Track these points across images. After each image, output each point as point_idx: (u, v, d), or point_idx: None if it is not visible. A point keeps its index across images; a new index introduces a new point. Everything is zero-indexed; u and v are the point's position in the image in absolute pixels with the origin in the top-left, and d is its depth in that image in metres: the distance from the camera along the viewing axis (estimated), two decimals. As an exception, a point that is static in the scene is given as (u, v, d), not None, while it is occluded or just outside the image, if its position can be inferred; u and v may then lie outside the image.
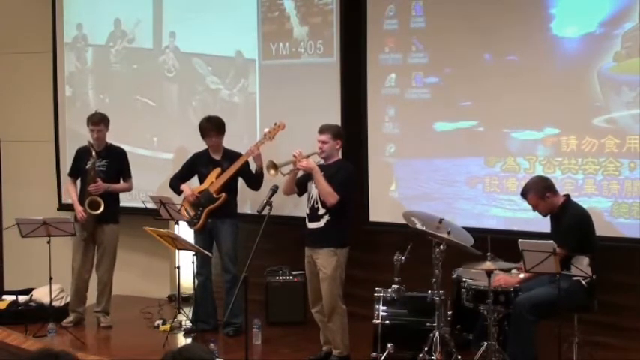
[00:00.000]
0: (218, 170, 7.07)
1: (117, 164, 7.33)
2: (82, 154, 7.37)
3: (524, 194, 5.87)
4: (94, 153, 7.13)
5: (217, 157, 7.13)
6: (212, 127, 7.06)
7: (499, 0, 6.70)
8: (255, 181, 7.06)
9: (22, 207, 8.18)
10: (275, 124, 6.93)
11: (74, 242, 7.28)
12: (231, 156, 7.08)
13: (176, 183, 7.22)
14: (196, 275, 7.18)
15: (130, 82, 8.33)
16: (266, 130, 6.98)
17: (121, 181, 7.38)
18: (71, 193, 7.39)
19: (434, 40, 6.89)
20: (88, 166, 7.18)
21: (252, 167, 7.07)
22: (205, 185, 7.09)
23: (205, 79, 7.92)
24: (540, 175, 6.12)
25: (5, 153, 9.04)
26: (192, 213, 7.07)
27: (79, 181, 7.42)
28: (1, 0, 8.97)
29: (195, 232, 7.22)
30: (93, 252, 7.34)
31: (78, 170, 7.37)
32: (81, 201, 7.20)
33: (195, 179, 7.27)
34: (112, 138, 7.44)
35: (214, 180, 7.05)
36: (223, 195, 7.00)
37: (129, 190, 7.47)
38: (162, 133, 8.15)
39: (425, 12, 6.90)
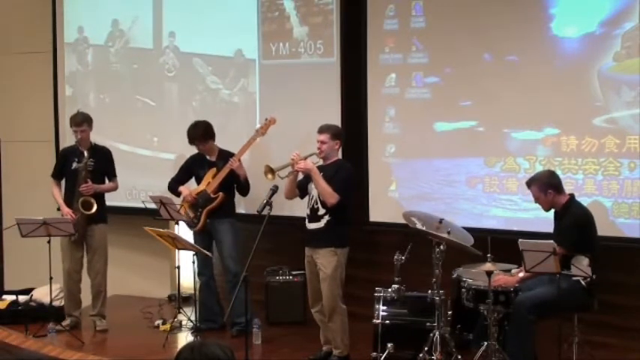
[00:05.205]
0: (214, 170, 7.10)
1: (103, 164, 7.18)
2: (67, 155, 7.26)
3: (529, 184, 5.89)
4: (85, 153, 7.03)
5: (212, 158, 7.16)
6: (196, 134, 7.07)
7: (499, 0, 6.70)
8: (241, 187, 7.09)
9: (22, 207, 8.17)
10: (266, 119, 7.05)
11: (62, 244, 7.16)
12: (225, 155, 7.09)
13: (174, 185, 7.26)
14: (198, 275, 7.18)
15: (130, 82, 8.32)
16: (257, 126, 7.00)
17: (106, 181, 7.26)
18: (57, 195, 7.23)
19: (434, 40, 6.89)
20: (79, 166, 7.06)
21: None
22: (202, 186, 7.11)
23: (205, 79, 7.91)
24: (552, 170, 6.12)
25: (5, 153, 9.04)
26: (192, 214, 7.10)
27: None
28: (1, 0, 8.96)
29: (194, 233, 7.23)
30: (82, 253, 7.25)
31: (62, 172, 7.26)
32: (69, 202, 7.10)
33: (193, 181, 7.28)
34: (113, 138, 7.41)
35: (211, 180, 7.08)
36: (220, 194, 7.02)
37: (115, 189, 7.35)
38: (163, 133, 8.14)
39: (425, 12, 6.89)
